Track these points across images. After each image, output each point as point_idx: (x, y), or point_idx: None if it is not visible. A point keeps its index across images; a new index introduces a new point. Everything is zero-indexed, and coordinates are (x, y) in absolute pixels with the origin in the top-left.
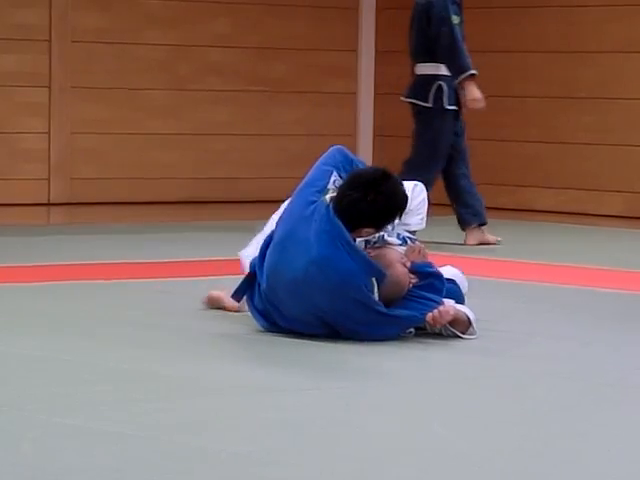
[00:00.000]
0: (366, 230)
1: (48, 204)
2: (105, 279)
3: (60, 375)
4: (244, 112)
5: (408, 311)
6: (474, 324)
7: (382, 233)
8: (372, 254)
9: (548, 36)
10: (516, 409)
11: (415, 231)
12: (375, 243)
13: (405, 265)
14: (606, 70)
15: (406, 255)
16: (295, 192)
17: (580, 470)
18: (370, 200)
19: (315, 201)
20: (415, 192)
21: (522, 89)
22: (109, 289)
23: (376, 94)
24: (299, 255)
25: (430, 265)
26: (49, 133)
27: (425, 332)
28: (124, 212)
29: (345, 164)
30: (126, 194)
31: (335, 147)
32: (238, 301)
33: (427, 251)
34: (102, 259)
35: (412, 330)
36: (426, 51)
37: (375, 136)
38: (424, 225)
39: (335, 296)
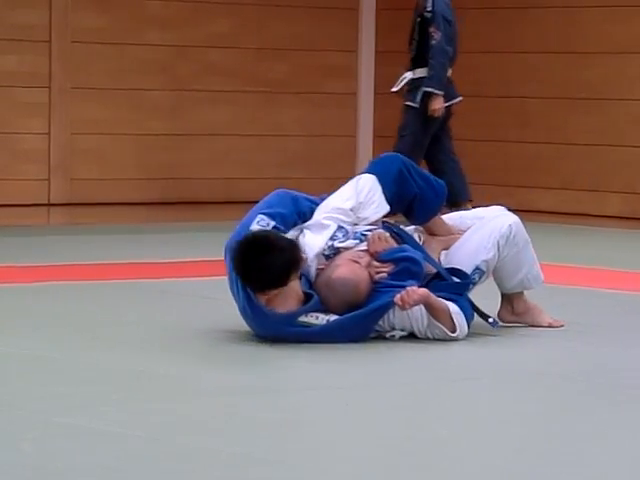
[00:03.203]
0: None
1: (48, 204)
2: (106, 279)
3: (60, 375)
4: (244, 112)
5: (375, 302)
6: (454, 317)
7: (331, 243)
8: (325, 269)
9: (548, 36)
10: (516, 409)
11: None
12: (330, 255)
13: (357, 261)
14: (606, 70)
15: (369, 247)
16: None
17: (580, 470)
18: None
19: None
20: (359, 186)
21: (522, 89)
22: (109, 289)
23: (376, 94)
24: None
25: (401, 249)
26: (49, 133)
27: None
28: (124, 212)
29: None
30: (126, 194)
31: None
32: None
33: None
34: (102, 259)
35: (394, 334)
36: None
37: (375, 136)
38: (384, 210)
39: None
